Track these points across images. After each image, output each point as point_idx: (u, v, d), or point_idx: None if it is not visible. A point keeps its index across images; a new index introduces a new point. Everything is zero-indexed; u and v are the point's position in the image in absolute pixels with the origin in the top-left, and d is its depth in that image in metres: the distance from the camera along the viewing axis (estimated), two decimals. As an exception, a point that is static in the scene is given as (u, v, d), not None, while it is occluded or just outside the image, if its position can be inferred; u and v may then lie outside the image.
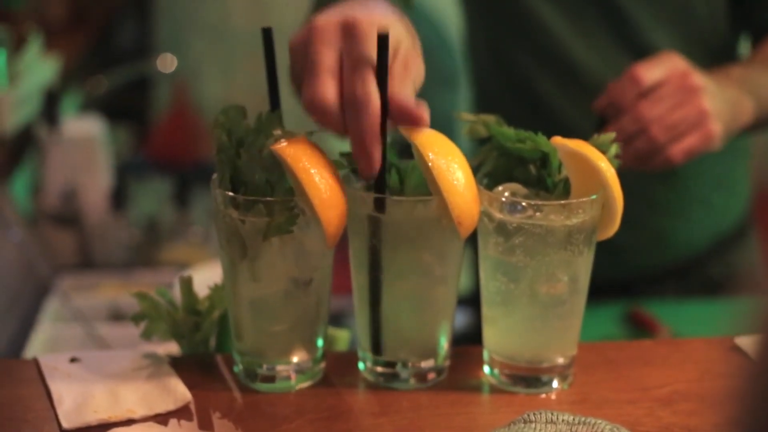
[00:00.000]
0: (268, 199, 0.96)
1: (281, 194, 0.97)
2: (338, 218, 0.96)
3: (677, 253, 1.74)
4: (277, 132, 0.98)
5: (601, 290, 1.82)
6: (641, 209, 1.69)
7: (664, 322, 1.73)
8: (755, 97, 1.36)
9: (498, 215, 0.99)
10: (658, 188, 1.69)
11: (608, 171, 0.98)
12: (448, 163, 0.96)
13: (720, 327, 1.65)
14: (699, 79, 1.26)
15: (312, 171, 0.95)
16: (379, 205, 0.97)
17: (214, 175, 1.00)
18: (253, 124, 0.99)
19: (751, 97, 1.35)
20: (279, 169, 0.97)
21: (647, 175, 1.62)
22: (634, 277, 1.75)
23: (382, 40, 0.93)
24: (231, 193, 0.97)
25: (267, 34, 1.03)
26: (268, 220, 0.96)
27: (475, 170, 1.00)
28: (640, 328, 1.76)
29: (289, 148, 0.95)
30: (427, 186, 0.99)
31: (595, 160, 0.97)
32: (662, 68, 1.26)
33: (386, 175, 0.98)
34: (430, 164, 0.96)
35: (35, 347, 1.58)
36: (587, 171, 0.98)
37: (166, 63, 2.82)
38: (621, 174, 0.99)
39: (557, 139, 0.99)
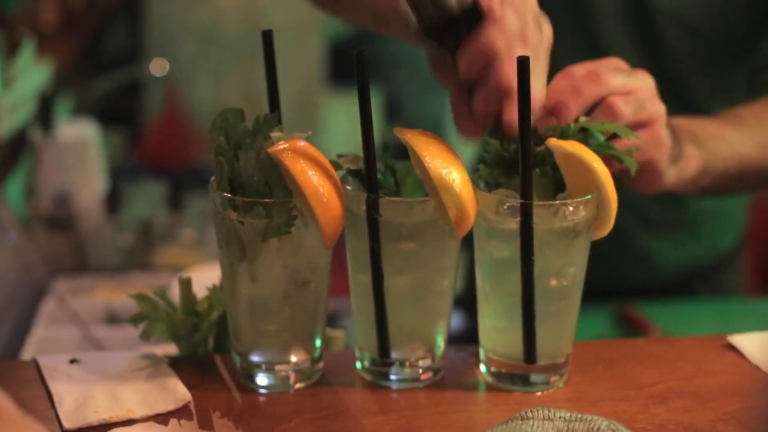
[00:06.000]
0: (267, 200, 0.97)
1: (280, 196, 0.98)
2: (336, 219, 0.97)
3: (659, 272, 1.77)
4: (275, 134, 0.99)
5: (591, 292, 1.84)
6: (631, 223, 1.70)
7: (655, 321, 1.75)
8: (707, 151, 1.23)
9: (493, 216, 1.00)
10: (651, 206, 1.70)
11: (602, 172, 0.99)
12: (444, 164, 0.98)
13: (710, 326, 1.67)
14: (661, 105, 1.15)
15: (310, 173, 0.96)
16: (375, 205, 0.99)
17: (212, 178, 1.01)
18: (251, 126, 1.00)
19: (700, 149, 1.22)
20: (277, 170, 0.98)
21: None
22: (618, 288, 1.77)
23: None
24: (230, 195, 0.98)
25: (267, 37, 1.04)
26: (267, 221, 0.97)
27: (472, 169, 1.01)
28: (631, 327, 1.77)
29: (287, 151, 0.97)
30: (423, 187, 1.00)
31: (589, 161, 0.99)
32: (636, 105, 1.11)
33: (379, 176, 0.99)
34: (426, 165, 0.97)
35: (31, 349, 1.58)
36: (582, 172, 0.99)
37: (158, 67, 2.83)
38: (618, 188, 1.01)
39: (552, 141, 1.00)
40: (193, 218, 2.19)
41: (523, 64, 0.95)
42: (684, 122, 1.24)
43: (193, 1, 3.36)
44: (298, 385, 1.03)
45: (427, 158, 0.97)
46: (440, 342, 1.05)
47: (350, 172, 1.03)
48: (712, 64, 1.58)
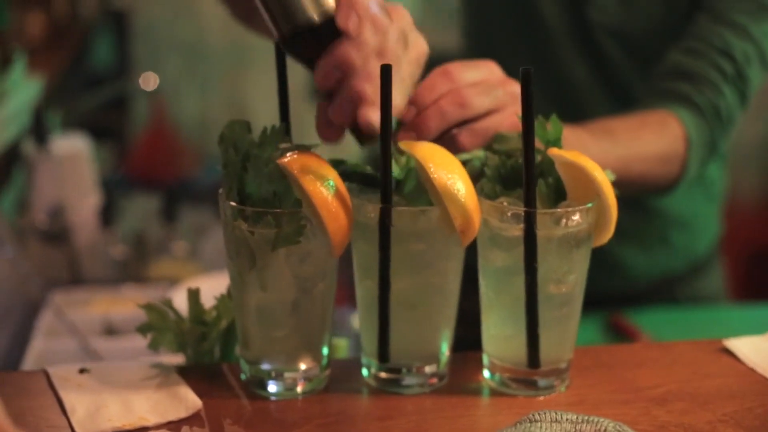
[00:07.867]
0: (276, 210, 0.99)
1: (288, 206, 1.00)
2: (344, 228, 0.99)
3: (633, 281, 1.79)
4: (284, 145, 1.01)
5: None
6: None
7: (645, 329, 1.77)
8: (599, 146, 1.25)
9: (497, 223, 1.03)
10: (622, 216, 1.73)
11: (603, 180, 1.02)
12: (449, 174, 1.00)
13: (699, 333, 1.70)
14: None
15: (318, 183, 0.98)
16: (386, 215, 1.01)
17: (221, 189, 1.03)
18: (258, 137, 1.02)
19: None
20: (285, 181, 1.00)
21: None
22: (596, 297, 1.78)
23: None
24: (241, 206, 1.00)
25: (280, 48, 1.06)
26: (277, 231, 0.99)
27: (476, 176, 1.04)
28: (621, 335, 1.80)
29: (295, 162, 0.99)
30: (420, 193, 1.03)
31: (590, 170, 1.01)
32: (479, 72, 1.13)
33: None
34: (431, 176, 1.00)
35: (31, 362, 1.59)
36: (582, 180, 1.02)
37: (147, 81, 2.84)
38: None
39: (554, 151, 1.03)
40: (186, 231, 2.21)
41: (526, 75, 0.98)
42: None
43: (178, 15, 3.37)
44: (306, 392, 1.05)
45: (431, 168, 1.00)
46: (445, 348, 1.07)
47: (350, 177, 1.05)
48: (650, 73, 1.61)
